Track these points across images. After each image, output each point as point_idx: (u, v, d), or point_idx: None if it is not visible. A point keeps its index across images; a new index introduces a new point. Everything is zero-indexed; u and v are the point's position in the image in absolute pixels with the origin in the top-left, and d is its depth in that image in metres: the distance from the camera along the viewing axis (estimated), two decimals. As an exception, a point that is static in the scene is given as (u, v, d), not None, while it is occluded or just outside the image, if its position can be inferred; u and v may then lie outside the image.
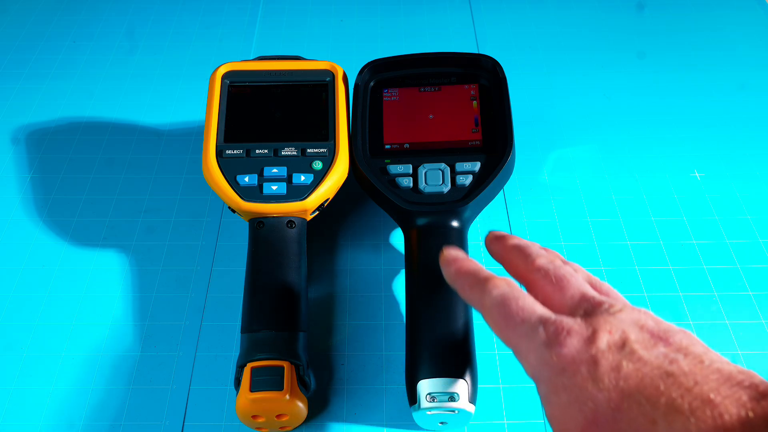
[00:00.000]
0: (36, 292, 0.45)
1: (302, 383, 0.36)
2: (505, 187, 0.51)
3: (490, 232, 0.34)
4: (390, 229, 0.49)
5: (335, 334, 0.43)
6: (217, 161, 0.42)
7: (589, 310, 0.26)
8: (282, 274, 0.39)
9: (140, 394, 0.40)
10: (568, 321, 0.25)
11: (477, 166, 0.43)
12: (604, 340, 0.24)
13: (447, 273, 0.32)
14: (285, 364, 0.35)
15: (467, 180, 0.43)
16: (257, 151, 0.43)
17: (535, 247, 0.31)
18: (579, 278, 0.28)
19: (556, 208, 0.51)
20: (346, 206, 0.50)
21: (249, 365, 0.35)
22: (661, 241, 0.48)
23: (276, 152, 0.43)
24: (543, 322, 0.26)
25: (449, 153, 0.44)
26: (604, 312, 0.26)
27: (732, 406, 0.20)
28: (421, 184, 0.43)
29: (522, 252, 0.31)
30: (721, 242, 0.48)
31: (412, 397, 0.36)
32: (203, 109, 0.47)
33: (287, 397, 0.34)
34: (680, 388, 0.21)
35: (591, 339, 0.24)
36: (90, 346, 0.42)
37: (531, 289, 0.30)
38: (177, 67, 0.64)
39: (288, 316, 0.37)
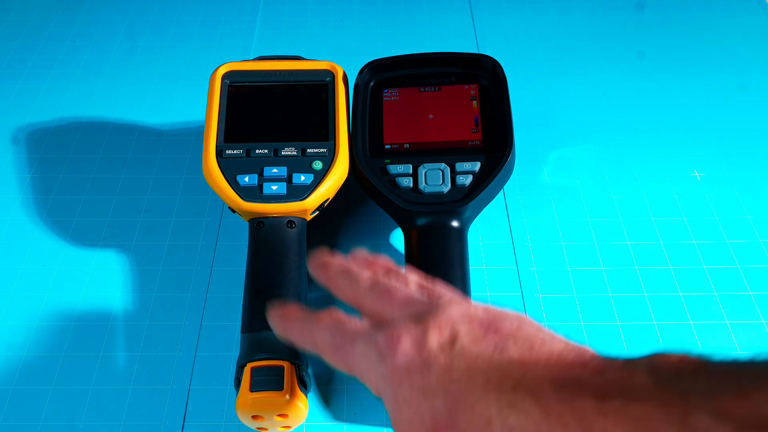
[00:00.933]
0: (36, 292, 0.45)
1: (302, 383, 0.36)
2: (505, 187, 0.51)
3: (311, 258, 0.33)
4: (390, 229, 0.49)
5: (335, 334, 0.43)
6: (217, 161, 0.42)
7: (417, 311, 0.26)
8: (282, 274, 0.39)
9: (140, 394, 0.40)
10: (396, 327, 0.25)
11: (477, 166, 0.43)
12: (434, 340, 0.23)
13: (277, 328, 0.32)
14: (285, 364, 0.35)
15: (467, 180, 0.43)
16: (257, 151, 0.43)
17: (357, 267, 0.31)
18: (403, 287, 0.28)
19: (556, 208, 0.51)
20: (346, 206, 0.50)
21: (249, 365, 0.35)
22: (661, 241, 0.48)
23: (276, 152, 0.42)
24: (374, 337, 0.25)
25: (449, 153, 0.44)
26: (432, 310, 0.25)
27: (562, 391, 0.20)
28: (421, 184, 0.43)
29: (347, 276, 0.30)
30: (721, 242, 0.48)
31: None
32: (203, 109, 0.47)
33: (287, 397, 0.34)
34: (511, 379, 0.21)
35: (422, 341, 0.24)
36: (90, 346, 0.42)
37: (363, 313, 0.29)
38: (177, 67, 0.64)
39: (288, 316, 0.37)
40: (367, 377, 0.25)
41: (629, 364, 0.20)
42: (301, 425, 0.38)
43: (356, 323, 0.27)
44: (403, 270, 0.31)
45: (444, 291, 0.28)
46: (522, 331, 0.23)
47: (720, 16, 0.70)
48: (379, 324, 0.26)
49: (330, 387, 0.40)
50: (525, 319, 0.24)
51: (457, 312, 0.25)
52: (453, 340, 0.23)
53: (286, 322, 0.31)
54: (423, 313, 0.25)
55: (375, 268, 0.31)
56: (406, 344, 0.24)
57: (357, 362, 0.26)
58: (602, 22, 0.69)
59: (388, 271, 0.31)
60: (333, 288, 0.31)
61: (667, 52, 0.65)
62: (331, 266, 0.31)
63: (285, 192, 0.41)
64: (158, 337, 0.42)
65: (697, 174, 0.53)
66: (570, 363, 0.21)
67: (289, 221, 0.41)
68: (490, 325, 0.24)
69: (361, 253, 0.33)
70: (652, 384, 0.19)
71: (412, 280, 0.29)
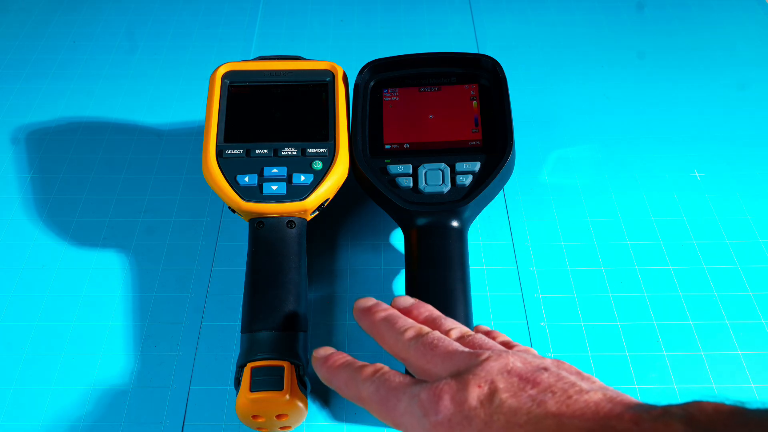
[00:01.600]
0: (36, 292, 0.45)
1: (302, 383, 0.36)
2: (505, 187, 0.51)
3: (356, 303, 0.34)
4: (390, 229, 0.49)
5: (335, 334, 0.43)
6: (217, 161, 0.42)
7: (459, 366, 0.27)
8: (282, 274, 0.39)
9: (140, 394, 0.40)
10: (438, 384, 0.26)
11: (477, 166, 0.43)
12: (474, 395, 0.24)
13: (321, 374, 0.33)
14: (285, 364, 0.35)
15: (467, 180, 0.43)
16: (257, 151, 0.43)
17: (401, 318, 0.32)
18: (446, 340, 0.29)
19: (556, 208, 0.51)
20: (346, 206, 0.50)
21: (249, 365, 0.35)
22: (661, 241, 0.48)
23: (276, 152, 0.42)
24: (417, 393, 0.26)
25: (449, 153, 0.44)
26: (473, 365, 0.26)
27: None
28: (421, 184, 0.43)
29: (391, 327, 0.31)
30: (721, 242, 0.48)
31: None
32: (203, 109, 0.47)
33: (287, 397, 0.34)
34: None
35: (462, 398, 0.25)
36: (90, 346, 0.42)
37: (407, 365, 0.30)
38: (177, 67, 0.64)
39: (288, 316, 0.37)
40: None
41: (665, 414, 0.20)
42: (301, 425, 0.38)
43: (400, 378, 0.28)
44: (446, 319, 0.32)
45: (485, 341, 0.29)
46: (560, 383, 0.24)
47: (720, 16, 0.70)
48: (423, 379, 0.27)
49: (330, 387, 0.40)
50: (563, 366, 0.25)
51: (496, 366, 0.25)
52: (492, 394, 0.24)
53: (331, 372, 0.32)
54: (464, 368, 0.26)
55: (416, 316, 0.32)
56: (447, 400, 0.25)
57: (401, 419, 0.27)
58: (602, 22, 0.69)
59: (429, 320, 0.32)
60: (376, 336, 0.32)
61: (667, 52, 0.65)
62: (374, 313, 0.32)
63: (285, 192, 0.41)
64: (158, 337, 0.42)
65: (697, 174, 0.53)
66: (605, 415, 0.22)
67: (289, 221, 0.41)
68: (529, 378, 0.24)
69: (404, 300, 0.35)
70: None
71: (453, 332, 0.30)
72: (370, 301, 0.34)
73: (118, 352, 0.42)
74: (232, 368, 0.41)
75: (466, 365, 0.26)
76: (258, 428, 0.37)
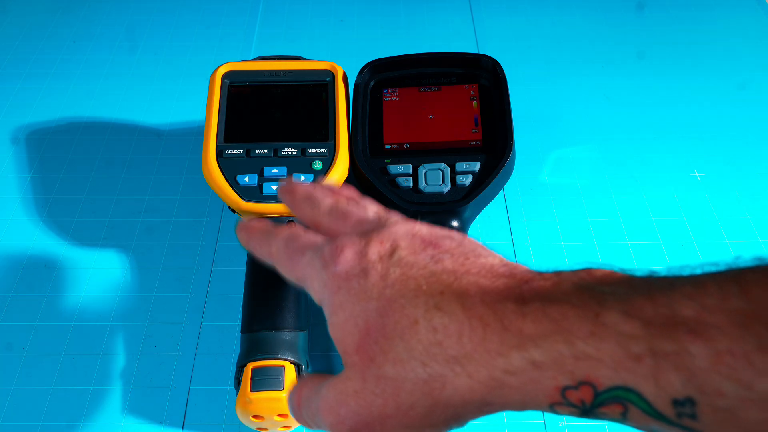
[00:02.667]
0: (36, 292, 0.45)
1: (302, 383, 0.36)
2: (505, 187, 0.51)
3: (280, 184, 0.33)
4: (390, 229, 0.49)
5: (335, 334, 0.43)
6: (217, 161, 0.42)
7: (366, 229, 0.27)
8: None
9: (140, 394, 0.40)
10: (342, 239, 0.26)
11: (477, 166, 0.43)
12: (374, 250, 0.25)
13: (240, 237, 0.32)
14: (285, 364, 0.35)
15: (467, 180, 0.43)
16: (257, 151, 0.43)
17: (321, 193, 0.32)
18: (361, 211, 0.29)
19: (556, 208, 0.51)
20: (346, 206, 0.50)
21: (249, 365, 0.35)
22: (661, 241, 0.48)
23: (276, 152, 0.42)
24: (321, 247, 0.26)
25: (449, 153, 0.44)
26: (379, 227, 0.26)
27: (487, 295, 0.21)
28: (421, 184, 0.43)
29: (310, 200, 0.31)
30: (721, 242, 0.48)
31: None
32: (203, 109, 0.47)
33: (287, 397, 0.34)
34: (440, 285, 0.22)
35: (363, 252, 0.25)
36: (90, 346, 0.42)
37: (319, 232, 0.30)
38: (177, 67, 0.64)
39: (288, 316, 0.37)
40: (311, 285, 0.27)
41: (557, 275, 0.21)
42: (301, 425, 0.38)
43: (310, 236, 0.28)
44: (369, 199, 0.32)
45: (396, 215, 0.29)
46: (461, 248, 0.24)
47: (720, 16, 0.70)
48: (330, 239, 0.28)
49: (330, 387, 0.40)
50: (467, 238, 0.26)
51: (402, 229, 0.26)
52: (393, 251, 0.24)
53: (250, 233, 0.31)
54: (370, 230, 0.26)
55: (338, 197, 0.32)
56: (348, 254, 0.25)
57: (303, 270, 0.27)
58: (602, 22, 0.69)
59: (350, 199, 0.32)
60: (296, 211, 0.32)
61: (667, 52, 0.65)
62: (297, 191, 0.32)
63: (285, 192, 0.41)
64: (158, 337, 0.42)
65: (697, 174, 0.53)
66: (500, 273, 0.22)
67: (289, 221, 0.41)
68: (432, 241, 0.25)
69: (328, 183, 0.34)
70: (573, 290, 0.20)
71: (371, 207, 0.30)
72: (293, 179, 0.34)
73: (118, 352, 0.42)
74: (232, 368, 0.41)
75: (372, 227, 0.27)
76: (258, 428, 0.37)
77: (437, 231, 0.26)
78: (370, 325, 0.23)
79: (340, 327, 0.24)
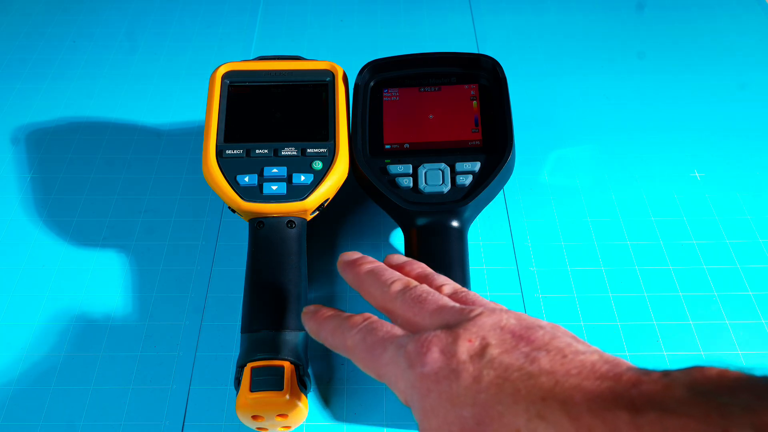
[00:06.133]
0: (36, 292, 0.45)
1: (302, 383, 0.36)
2: (505, 187, 0.51)
3: (341, 256, 0.32)
4: (390, 229, 0.49)
5: (335, 334, 0.43)
6: (217, 161, 0.42)
7: (449, 321, 0.25)
8: (282, 274, 0.39)
9: (140, 394, 0.40)
10: (427, 336, 0.24)
11: (477, 166, 0.43)
12: (464, 349, 0.23)
13: (309, 327, 0.31)
14: (285, 364, 0.35)
15: (467, 180, 0.43)
16: (257, 151, 0.43)
17: (388, 271, 0.30)
18: (436, 294, 0.28)
19: (556, 208, 0.51)
20: (346, 206, 0.50)
21: (249, 365, 0.35)
22: (661, 241, 0.48)
23: (276, 152, 0.42)
24: (404, 344, 0.25)
25: (449, 153, 0.44)
26: (464, 320, 0.25)
27: (594, 402, 0.19)
28: (421, 184, 0.43)
29: (376, 279, 0.30)
30: (721, 242, 0.48)
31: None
32: (203, 109, 0.47)
33: (287, 397, 0.34)
34: (541, 390, 0.21)
35: (451, 351, 0.23)
36: (90, 346, 0.42)
37: (393, 318, 0.29)
38: (177, 67, 0.64)
39: (288, 316, 0.37)
40: (396, 384, 0.25)
41: (666, 377, 0.19)
42: (301, 425, 0.38)
43: (389, 328, 0.27)
44: (438, 276, 0.30)
45: (477, 299, 0.28)
46: (555, 342, 0.23)
47: (720, 16, 0.70)
48: (411, 332, 0.26)
49: (330, 387, 0.40)
50: (559, 329, 0.24)
51: (489, 322, 0.24)
52: (483, 349, 0.23)
53: (319, 323, 0.30)
54: (454, 323, 0.25)
55: (407, 272, 0.30)
56: (435, 352, 0.23)
57: (385, 368, 0.26)
58: (602, 22, 0.69)
59: (420, 276, 0.30)
60: (361, 290, 0.31)
61: (667, 52, 0.65)
62: (360, 265, 0.31)
63: (285, 192, 0.41)
64: (158, 337, 0.42)
65: (697, 174, 0.53)
66: (603, 374, 0.20)
67: (289, 221, 0.41)
68: (522, 335, 0.23)
69: (396, 257, 0.33)
70: (689, 397, 0.18)
71: (446, 287, 0.29)
72: (356, 254, 0.32)
73: (118, 352, 0.42)
74: (232, 368, 0.41)
75: (456, 320, 0.25)
76: (258, 428, 0.37)
77: (526, 320, 0.24)
78: None
79: None
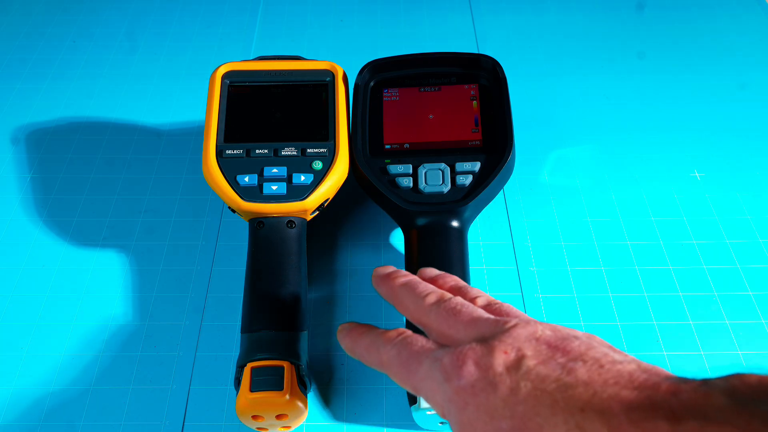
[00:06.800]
0: (36, 292, 0.45)
1: (302, 383, 0.36)
2: (505, 187, 0.51)
3: (375, 271, 0.33)
4: (390, 229, 0.49)
5: (335, 334, 0.43)
6: (217, 161, 0.42)
7: (484, 333, 0.25)
8: (282, 274, 0.39)
9: (140, 394, 0.40)
10: (462, 349, 0.24)
11: (477, 166, 0.43)
12: (500, 361, 0.23)
13: (344, 344, 0.31)
14: (285, 364, 0.35)
15: (467, 180, 0.43)
16: (257, 151, 0.43)
17: (422, 284, 0.30)
18: (470, 306, 0.28)
19: (556, 208, 0.51)
20: (346, 206, 0.50)
21: (249, 365, 0.35)
22: (661, 241, 0.48)
23: (276, 152, 0.43)
24: (440, 357, 0.25)
25: (449, 153, 0.44)
26: (499, 332, 0.25)
27: (633, 412, 0.19)
28: (421, 184, 0.43)
29: (411, 292, 0.30)
30: (720, 242, 0.48)
31: (413, 397, 0.36)
32: (203, 109, 0.47)
33: (287, 397, 0.34)
34: (579, 401, 0.21)
35: (487, 364, 0.23)
36: (90, 346, 0.42)
37: (428, 331, 0.29)
38: (177, 67, 0.64)
39: (288, 316, 0.37)
40: (433, 398, 0.25)
41: (705, 385, 0.19)
42: (301, 425, 0.38)
43: (423, 342, 0.27)
44: (471, 288, 0.30)
45: (512, 310, 0.28)
46: (591, 352, 0.23)
47: (720, 16, 0.70)
48: (446, 345, 0.26)
49: (330, 387, 0.40)
50: (594, 339, 0.24)
51: (524, 333, 0.24)
52: (519, 361, 0.23)
53: (354, 339, 0.30)
54: (489, 335, 0.25)
55: (440, 285, 0.30)
56: (471, 365, 0.24)
57: (421, 383, 0.26)
58: (602, 22, 0.69)
59: (454, 289, 0.30)
60: (395, 303, 0.31)
61: (667, 52, 0.65)
62: (394, 279, 0.31)
63: (285, 192, 0.41)
64: (158, 337, 0.42)
65: (697, 174, 0.53)
66: (641, 384, 0.20)
67: (289, 221, 0.41)
68: (558, 346, 0.23)
69: (429, 270, 0.33)
70: (730, 406, 0.18)
71: (480, 299, 0.29)
72: (390, 268, 0.32)
73: (118, 352, 0.42)
74: (232, 368, 0.41)
75: (491, 332, 0.25)
76: (258, 428, 0.37)
77: (561, 331, 0.24)
78: None
79: None
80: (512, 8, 0.71)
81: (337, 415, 0.39)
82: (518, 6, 0.71)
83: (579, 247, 0.48)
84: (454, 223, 0.42)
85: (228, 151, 0.42)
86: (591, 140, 0.56)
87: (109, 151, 0.55)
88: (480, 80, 0.48)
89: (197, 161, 0.53)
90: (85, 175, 0.53)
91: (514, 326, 0.25)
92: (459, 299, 0.28)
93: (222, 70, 0.46)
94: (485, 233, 0.49)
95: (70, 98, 0.60)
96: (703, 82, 0.62)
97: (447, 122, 0.46)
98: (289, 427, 0.37)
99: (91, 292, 0.45)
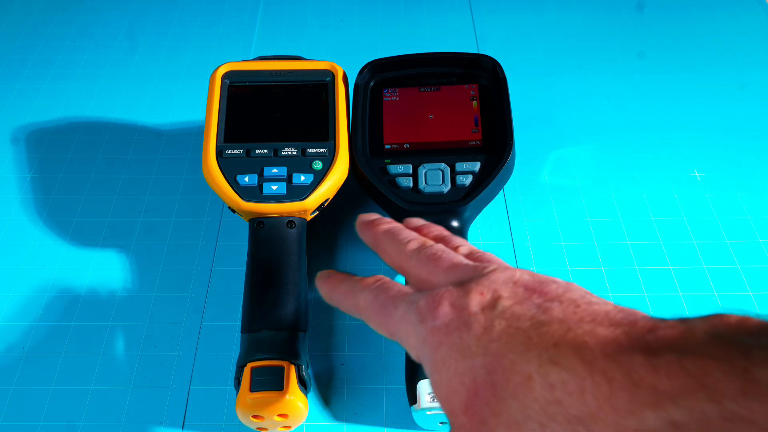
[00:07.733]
0: (36, 292, 0.45)
1: (302, 383, 0.36)
2: (505, 187, 0.51)
3: (359, 217, 0.32)
4: (390, 229, 0.49)
5: (335, 334, 0.43)
6: (217, 161, 0.42)
7: (462, 278, 0.25)
8: (282, 274, 0.39)
9: (140, 394, 0.40)
10: (438, 291, 0.24)
11: (477, 166, 0.43)
12: (475, 301, 0.23)
13: (322, 291, 0.31)
14: (285, 364, 0.35)
15: (467, 180, 0.43)
16: (257, 151, 0.43)
17: (405, 231, 0.30)
18: (451, 253, 0.27)
19: (556, 208, 0.51)
20: (346, 206, 0.50)
21: (249, 365, 0.35)
22: (661, 241, 0.48)
23: (276, 152, 0.43)
24: (416, 300, 0.25)
25: (449, 153, 0.44)
26: (477, 276, 0.24)
27: (608, 346, 0.19)
28: (421, 184, 0.43)
29: (393, 238, 0.29)
30: (720, 242, 0.48)
31: (412, 397, 0.36)
32: (203, 109, 0.47)
33: (287, 397, 0.34)
34: (553, 336, 0.20)
35: (462, 304, 0.23)
36: (90, 346, 0.42)
37: (407, 277, 0.29)
38: (177, 67, 0.64)
39: (288, 315, 0.37)
40: (407, 341, 0.25)
41: (684, 323, 0.19)
42: (301, 425, 0.38)
43: (400, 287, 0.27)
44: (455, 237, 0.30)
45: (493, 258, 0.28)
46: (568, 294, 0.22)
47: (720, 16, 0.70)
48: (424, 290, 0.26)
49: (330, 387, 0.40)
50: (574, 285, 0.23)
51: (502, 277, 0.24)
52: (495, 301, 0.23)
53: (332, 286, 0.30)
54: (468, 279, 0.24)
55: (425, 234, 0.30)
56: (446, 306, 0.23)
57: (396, 326, 0.25)
58: (602, 22, 0.69)
59: (438, 238, 0.30)
60: (378, 249, 0.30)
61: (667, 52, 0.65)
62: (377, 225, 0.30)
63: (285, 192, 0.41)
64: (158, 337, 0.42)
65: (697, 174, 0.53)
66: (618, 321, 0.20)
67: (289, 221, 0.41)
68: (535, 288, 0.23)
69: (414, 220, 0.32)
70: (709, 341, 0.17)
71: (462, 248, 0.28)
72: (374, 215, 0.32)
73: (118, 352, 0.42)
74: (232, 368, 0.41)
75: (469, 276, 0.25)
76: (258, 428, 0.37)
77: (540, 276, 0.24)
78: (479, 384, 0.21)
79: (445, 386, 0.22)
80: (512, 8, 0.71)
81: (337, 415, 0.39)
82: (518, 6, 0.71)
83: (579, 247, 0.48)
84: (454, 223, 0.42)
85: (228, 151, 0.42)
86: (591, 140, 0.56)
87: (109, 151, 0.55)
88: (480, 80, 0.48)
89: (197, 161, 0.53)
90: (85, 175, 0.53)
91: (493, 270, 0.24)
92: (441, 246, 0.28)
93: (222, 70, 0.46)
94: (485, 233, 0.49)
95: (70, 98, 0.60)
96: (703, 82, 0.62)
97: (447, 122, 0.46)
98: (289, 427, 0.37)
99: (91, 292, 0.45)
